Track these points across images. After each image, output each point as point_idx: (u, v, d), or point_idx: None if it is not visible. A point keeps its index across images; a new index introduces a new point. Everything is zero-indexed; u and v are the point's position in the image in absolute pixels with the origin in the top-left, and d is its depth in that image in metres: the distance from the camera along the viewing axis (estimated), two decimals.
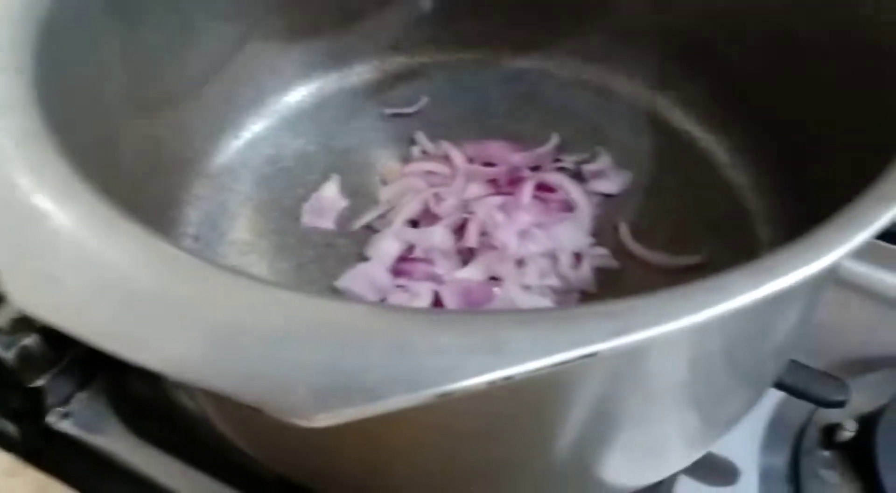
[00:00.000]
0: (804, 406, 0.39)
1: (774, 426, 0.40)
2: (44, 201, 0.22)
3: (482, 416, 0.25)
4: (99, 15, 0.33)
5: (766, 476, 0.39)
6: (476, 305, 0.38)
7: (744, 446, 0.39)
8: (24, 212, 0.22)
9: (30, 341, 0.38)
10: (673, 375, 0.27)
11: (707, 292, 0.20)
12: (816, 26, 0.37)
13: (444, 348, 0.19)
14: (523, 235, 0.40)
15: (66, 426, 0.40)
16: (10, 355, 0.37)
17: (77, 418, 0.40)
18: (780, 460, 0.39)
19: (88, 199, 0.23)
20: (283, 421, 0.18)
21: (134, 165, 0.36)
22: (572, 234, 0.40)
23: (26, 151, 0.24)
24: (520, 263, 0.39)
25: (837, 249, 0.21)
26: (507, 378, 0.19)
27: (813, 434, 0.39)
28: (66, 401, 0.40)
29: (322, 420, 0.18)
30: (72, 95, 0.30)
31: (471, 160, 0.44)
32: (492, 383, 0.19)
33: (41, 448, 0.37)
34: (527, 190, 0.41)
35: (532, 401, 0.25)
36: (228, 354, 0.19)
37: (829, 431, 0.39)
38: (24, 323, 0.38)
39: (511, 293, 0.38)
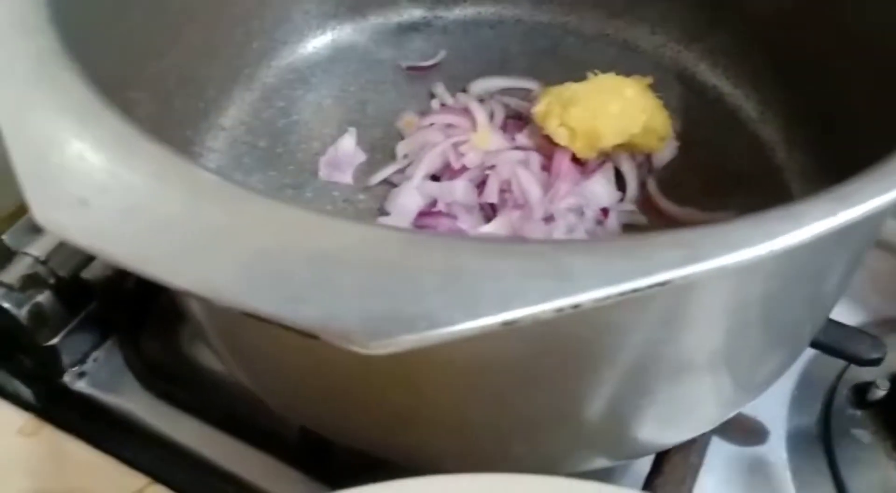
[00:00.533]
0: (834, 365, 0.39)
1: (804, 385, 0.39)
2: (68, 123, 0.21)
3: (527, 359, 0.24)
4: None
5: (795, 436, 0.38)
6: None
7: (773, 405, 0.39)
8: (48, 134, 0.21)
9: (42, 298, 0.37)
10: (715, 329, 0.26)
11: (782, 221, 0.19)
12: None
13: (503, 273, 0.18)
14: (548, 190, 0.39)
15: (81, 386, 0.38)
16: (22, 313, 0.36)
17: (92, 377, 0.39)
18: (810, 419, 0.39)
19: (112, 121, 0.21)
20: (338, 348, 0.17)
21: (146, 113, 0.35)
22: (600, 189, 0.39)
23: (47, 72, 0.22)
24: (547, 219, 0.38)
25: None
26: (575, 306, 0.17)
27: (843, 393, 0.39)
28: (81, 360, 0.39)
29: (381, 348, 0.17)
30: (88, 25, 0.29)
31: (492, 114, 0.43)
32: (559, 311, 0.17)
33: (57, 408, 0.35)
34: (563, 160, 0.39)
35: (578, 345, 0.24)
36: (273, 278, 0.18)
37: (861, 389, 0.38)
38: (36, 280, 0.36)
39: None
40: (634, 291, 0.18)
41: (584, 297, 0.18)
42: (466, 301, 0.17)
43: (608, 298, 0.18)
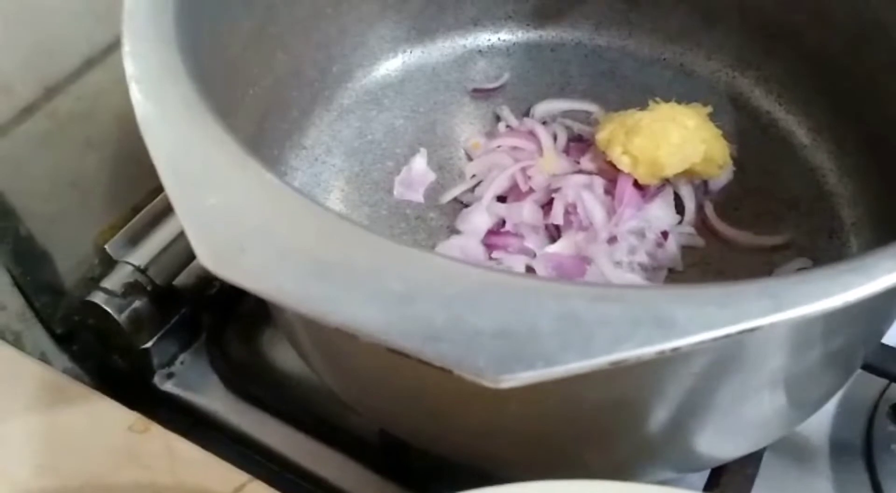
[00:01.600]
0: (876, 383, 0.41)
1: (847, 403, 0.42)
2: (220, 170, 0.24)
3: (611, 387, 0.27)
4: None
5: (838, 450, 0.40)
6: (568, 279, 0.39)
7: (818, 421, 0.41)
8: (202, 180, 0.23)
9: (140, 304, 0.40)
10: (776, 357, 0.29)
11: (855, 273, 0.22)
12: None
13: (611, 319, 0.21)
14: (611, 213, 0.41)
15: (170, 386, 0.42)
16: (122, 318, 0.39)
17: (180, 378, 0.42)
18: (853, 434, 0.41)
19: (257, 167, 0.24)
20: (467, 382, 0.20)
21: (246, 137, 0.37)
22: (660, 212, 0.41)
23: (194, 122, 0.25)
24: (610, 240, 0.40)
25: None
26: (675, 349, 0.20)
27: (885, 410, 0.41)
28: (170, 362, 0.42)
29: (506, 382, 0.19)
30: (202, 63, 0.31)
31: (555, 136, 0.45)
32: (661, 353, 0.20)
33: (149, 407, 0.38)
34: (626, 186, 0.41)
35: (658, 375, 0.27)
36: (412, 318, 0.20)
37: None
38: (135, 287, 0.40)
39: (602, 268, 0.39)
40: (727, 336, 0.20)
41: (684, 341, 0.20)
42: (578, 344, 0.20)
43: (703, 342, 0.20)
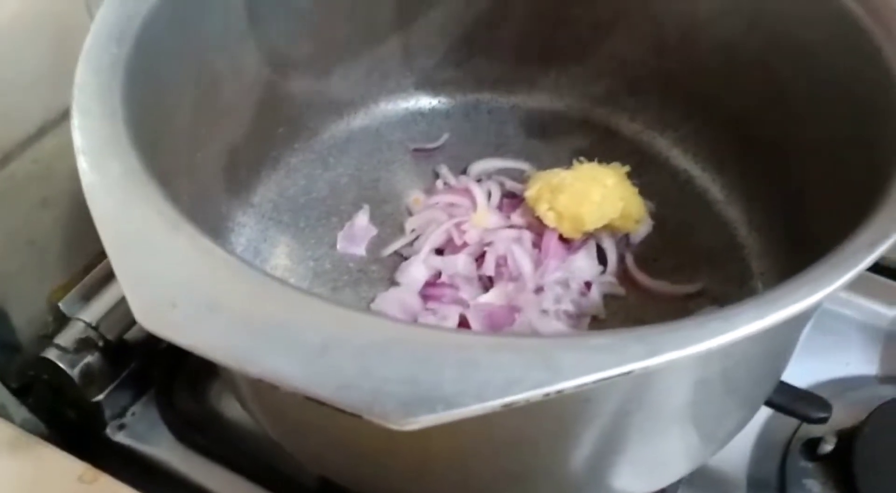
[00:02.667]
0: (789, 422, 0.44)
1: (763, 441, 0.44)
2: (156, 234, 0.26)
3: (521, 427, 0.29)
4: (164, 66, 0.37)
5: (755, 486, 0.43)
6: (498, 327, 0.42)
7: (735, 459, 0.44)
8: (140, 243, 0.26)
9: (92, 358, 0.41)
10: (681, 395, 0.31)
11: (721, 322, 0.24)
12: (805, 83, 0.41)
13: (506, 366, 0.23)
14: (539, 265, 0.44)
15: (121, 437, 0.43)
16: (75, 372, 0.41)
17: (131, 429, 0.43)
18: (769, 470, 0.43)
19: (191, 231, 0.26)
20: (377, 425, 0.22)
21: (191, 197, 0.40)
22: (583, 264, 0.44)
23: (135, 191, 0.27)
24: (537, 290, 0.43)
25: (827, 287, 0.26)
26: (560, 391, 0.23)
27: (797, 448, 0.44)
28: (121, 414, 0.44)
29: (410, 425, 0.22)
30: (146, 134, 0.34)
31: (489, 193, 0.48)
32: (547, 396, 0.23)
33: (101, 458, 0.40)
34: (552, 240, 0.45)
35: (563, 416, 0.29)
36: (326, 368, 0.23)
37: (812, 444, 0.43)
38: (87, 342, 0.41)
39: (530, 316, 0.42)
40: (605, 379, 0.23)
41: (567, 385, 0.23)
42: (475, 389, 0.22)
43: (584, 385, 0.23)
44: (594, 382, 0.23)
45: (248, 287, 0.25)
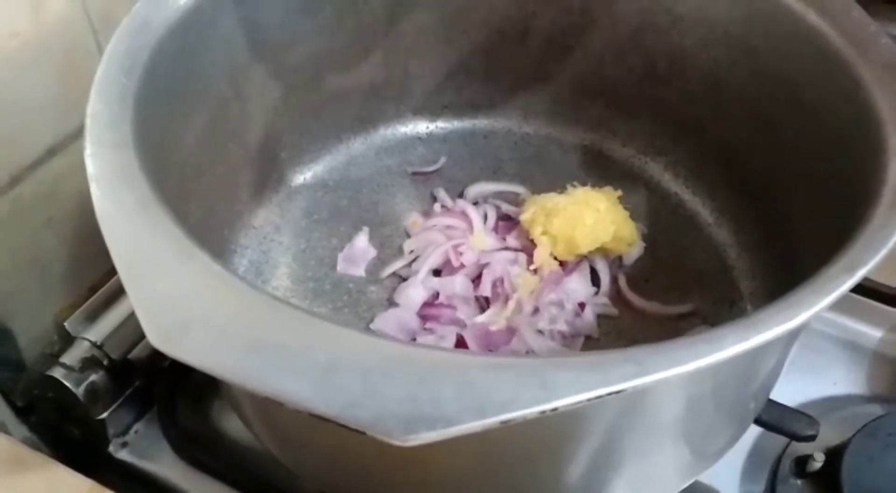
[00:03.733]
0: (779, 440, 0.45)
1: (753, 458, 0.45)
2: (169, 260, 0.27)
3: (519, 444, 0.30)
4: (171, 95, 0.38)
5: None
6: (495, 346, 0.43)
7: (727, 476, 0.45)
8: (153, 269, 0.27)
9: (97, 377, 0.42)
10: (673, 412, 0.33)
11: (708, 343, 0.26)
12: (789, 113, 0.43)
13: (502, 385, 0.24)
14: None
15: (124, 455, 0.44)
16: (80, 391, 0.41)
17: (134, 446, 0.44)
18: (758, 487, 0.44)
19: (203, 257, 0.28)
20: (380, 441, 0.23)
21: (195, 220, 0.41)
22: (578, 285, 0.45)
23: (147, 218, 0.29)
24: (533, 310, 0.44)
25: (809, 310, 0.27)
26: (555, 409, 0.24)
27: (787, 465, 0.45)
28: (124, 432, 0.44)
29: (411, 441, 0.23)
30: (155, 161, 0.35)
31: (486, 216, 0.50)
32: (542, 413, 0.24)
33: (105, 475, 0.41)
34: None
35: (559, 432, 0.30)
36: (333, 388, 0.24)
37: (801, 462, 0.44)
38: (92, 361, 0.42)
39: (526, 336, 0.43)
40: (598, 397, 0.24)
41: (561, 403, 0.24)
42: (474, 407, 0.24)
43: (578, 403, 0.24)
44: (588, 400, 0.24)
45: (259, 311, 0.26)
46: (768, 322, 0.27)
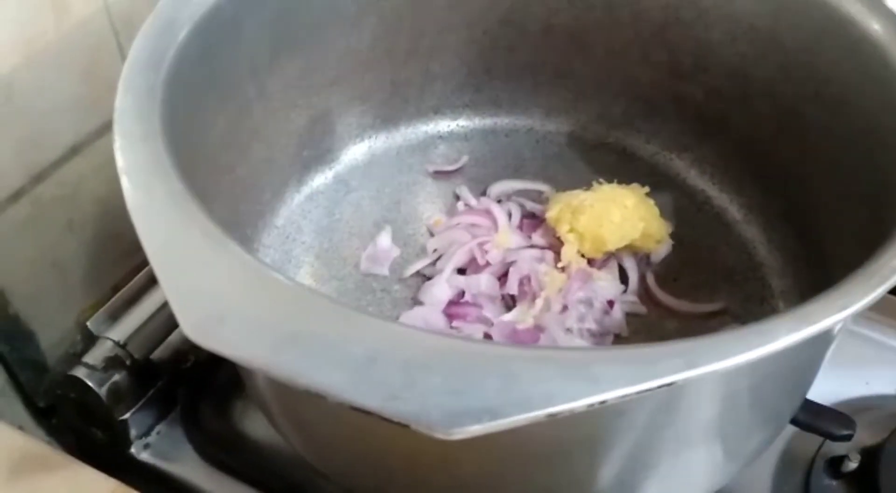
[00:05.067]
0: (813, 440, 0.44)
1: (786, 458, 0.44)
2: (202, 252, 0.27)
3: (557, 440, 0.29)
4: (195, 94, 0.38)
5: None
6: (523, 345, 0.42)
7: (760, 475, 0.44)
8: (187, 261, 0.26)
9: (119, 377, 0.42)
10: (710, 410, 0.32)
11: (757, 336, 0.25)
12: (818, 106, 0.42)
13: (547, 378, 0.24)
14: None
15: (146, 456, 0.43)
16: (103, 391, 0.41)
17: (156, 448, 0.44)
18: (793, 488, 0.44)
19: (236, 249, 0.27)
20: (415, 438, 0.22)
21: (221, 219, 0.40)
22: (606, 283, 0.45)
23: (178, 210, 0.28)
24: (562, 308, 0.43)
25: (861, 300, 0.26)
26: (603, 402, 0.23)
27: (821, 465, 0.44)
28: (147, 433, 0.44)
29: (456, 435, 0.22)
30: (183, 156, 0.35)
31: (510, 214, 0.49)
32: (590, 407, 0.23)
33: (127, 476, 0.40)
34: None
35: (597, 429, 0.30)
36: (373, 380, 0.23)
37: (836, 462, 0.43)
38: (115, 361, 0.42)
39: (554, 335, 0.42)
40: (648, 390, 0.23)
41: (609, 395, 0.23)
42: (519, 400, 0.23)
43: (626, 396, 0.23)
44: (636, 393, 0.23)
45: (294, 303, 0.25)
46: (817, 315, 0.26)
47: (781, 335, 0.25)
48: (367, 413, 0.23)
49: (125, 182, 0.29)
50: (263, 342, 0.24)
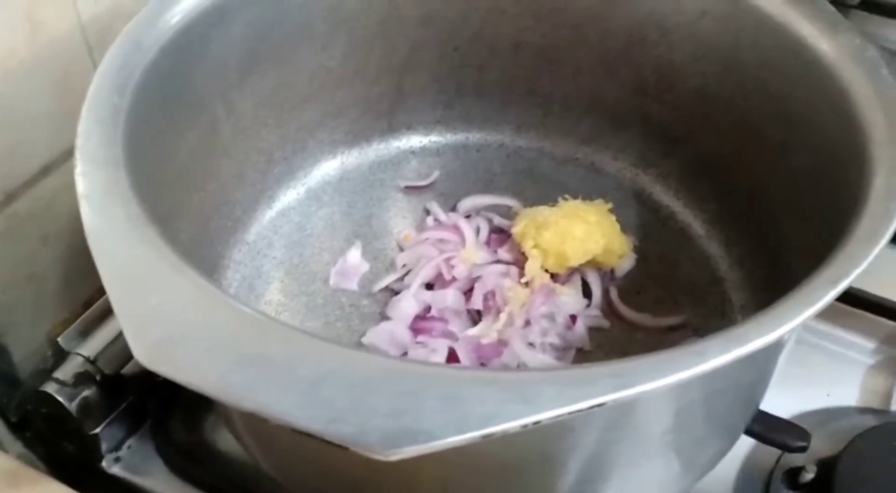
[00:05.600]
0: (772, 452, 0.45)
1: (746, 470, 0.45)
2: (156, 276, 0.27)
3: (506, 456, 0.30)
4: (163, 113, 0.38)
5: None
6: (487, 359, 0.43)
7: (720, 487, 0.45)
8: (140, 284, 0.27)
9: (90, 392, 0.42)
10: (661, 423, 0.33)
11: (690, 356, 0.26)
12: (777, 124, 0.44)
13: (485, 399, 0.24)
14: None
15: (117, 470, 0.44)
16: (73, 406, 0.42)
17: (127, 462, 0.44)
18: None
19: (190, 273, 0.28)
20: (363, 456, 0.23)
21: (189, 236, 0.41)
22: (569, 298, 0.46)
23: (136, 235, 0.29)
24: (524, 323, 0.44)
25: (790, 322, 0.27)
26: (536, 423, 0.24)
27: (780, 476, 0.45)
28: (117, 447, 0.44)
29: (394, 456, 0.23)
30: (146, 179, 0.35)
31: (478, 229, 0.50)
32: (524, 427, 0.24)
33: (98, 490, 0.41)
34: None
35: (546, 445, 0.30)
36: (318, 402, 0.24)
37: (794, 473, 0.44)
38: (85, 377, 0.42)
39: (517, 349, 0.43)
40: (579, 411, 0.24)
41: (543, 416, 0.24)
42: (456, 421, 0.24)
43: (560, 416, 0.24)
44: (569, 413, 0.24)
45: (246, 326, 0.26)
46: (751, 334, 0.27)
47: (711, 357, 0.26)
48: (309, 435, 0.24)
49: (84, 207, 0.30)
50: (213, 366, 0.25)
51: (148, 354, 0.25)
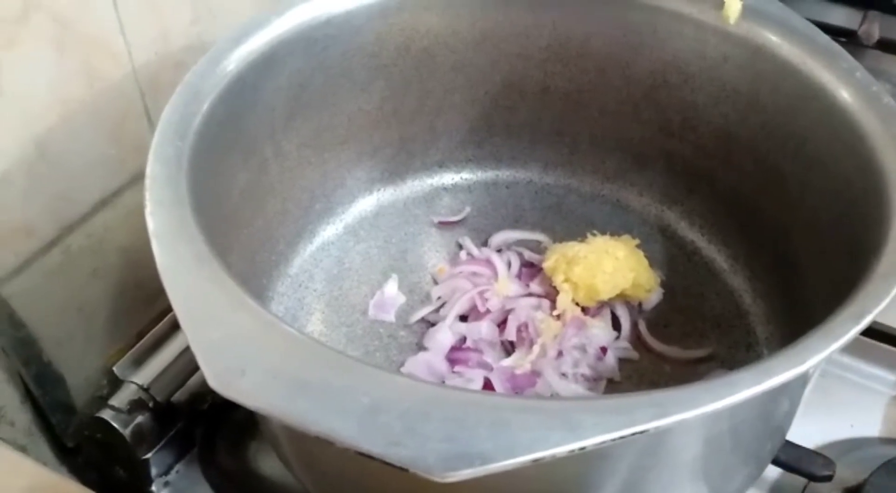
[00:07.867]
0: (798, 480, 0.46)
1: None
2: (224, 310, 0.30)
3: (546, 481, 0.32)
4: (219, 156, 0.41)
5: None
6: (521, 389, 0.45)
7: None
8: (212, 318, 0.29)
9: (143, 419, 0.45)
10: (693, 452, 0.34)
11: (723, 387, 0.28)
12: (797, 164, 0.45)
13: (531, 426, 0.26)
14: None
15: None
16: (127, 432, 0.44)
17: (175, 486, 0.46)
18: None
19: (254, 307, 0.30)
20: (414, 478, 0.25)
21: (239, 270, 0.44)
22: (599, 330, 0.47)
23: (203, 271, 0.31)
24: (557, 354, 0.46)
25: (817, 355, 0.29)
26: (582, 448, 0.26)
27: None
28: (166, 472, 0.46)
29: (450, 478, 0.25)
30: (205, 217, 0.38)
31: (509, 263, 0.52)
32: (570, 452, 0.26)
33: None
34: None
35: (584, 470, 0.32)
36: (376, 427, 0.26)
37: None
38: (139, 404, 0.45)
39: (550, 379, 0.45)
40: (622, 438, 0.26)
41: (587, 442, 0.26)
42: (507, 446, 0.26)
43: (604, 442, 0.26)
44: (612, 440, 0.26)
45: (306, 355, 0.28)
46: (780, 367, 0.29)
47: (743, 388, 0.27)
48: (370, 458, 0.25)
49: (155, 245, 0.32)
50: (277, 392, 0.27)
51: (219, 380, 0.27)
